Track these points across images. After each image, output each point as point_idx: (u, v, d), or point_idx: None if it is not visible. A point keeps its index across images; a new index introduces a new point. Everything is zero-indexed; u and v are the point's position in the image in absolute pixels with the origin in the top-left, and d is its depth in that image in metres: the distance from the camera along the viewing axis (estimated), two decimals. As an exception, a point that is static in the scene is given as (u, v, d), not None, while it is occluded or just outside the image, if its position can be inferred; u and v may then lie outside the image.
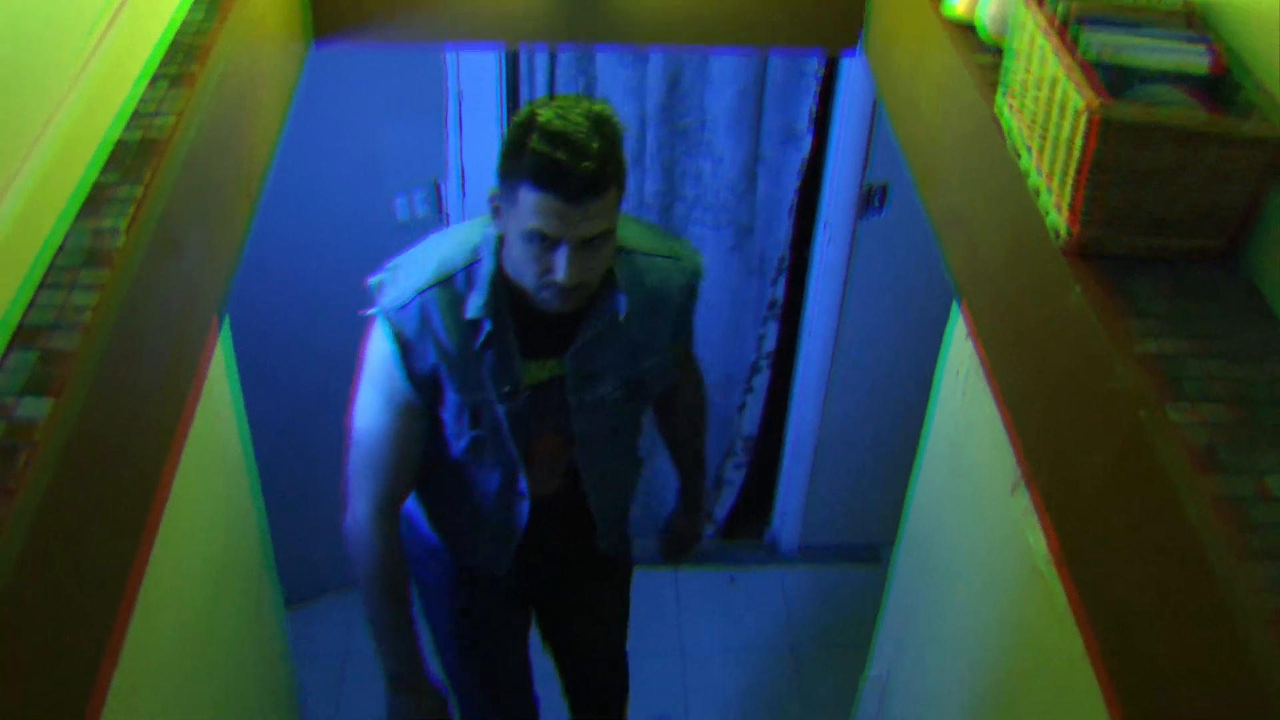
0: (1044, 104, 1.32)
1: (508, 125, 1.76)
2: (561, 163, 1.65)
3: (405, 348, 1.86)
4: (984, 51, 1.62)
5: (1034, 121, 1.36)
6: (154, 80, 1.54)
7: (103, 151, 1.38)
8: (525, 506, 2.09)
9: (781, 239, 3.34)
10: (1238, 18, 1.34)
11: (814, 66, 3.02)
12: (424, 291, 1.85)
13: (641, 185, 3.21)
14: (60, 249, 1.24)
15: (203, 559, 1.72)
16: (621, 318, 1.92)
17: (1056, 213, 1.30)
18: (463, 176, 2.98)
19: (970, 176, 1.61)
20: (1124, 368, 1.16)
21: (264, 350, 2.37)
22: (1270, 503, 1.03)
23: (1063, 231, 1.29)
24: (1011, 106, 1.44)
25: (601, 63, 3.02)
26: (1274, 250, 1.24)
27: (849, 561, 3.85)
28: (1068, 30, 1.35)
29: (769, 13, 2.25)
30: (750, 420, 3.74)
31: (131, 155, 1.39)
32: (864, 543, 3.86)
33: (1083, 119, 1.21)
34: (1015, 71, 1.43)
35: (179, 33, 1.65)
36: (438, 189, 2.99)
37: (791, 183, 3.23)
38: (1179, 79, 1.31)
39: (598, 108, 1.72)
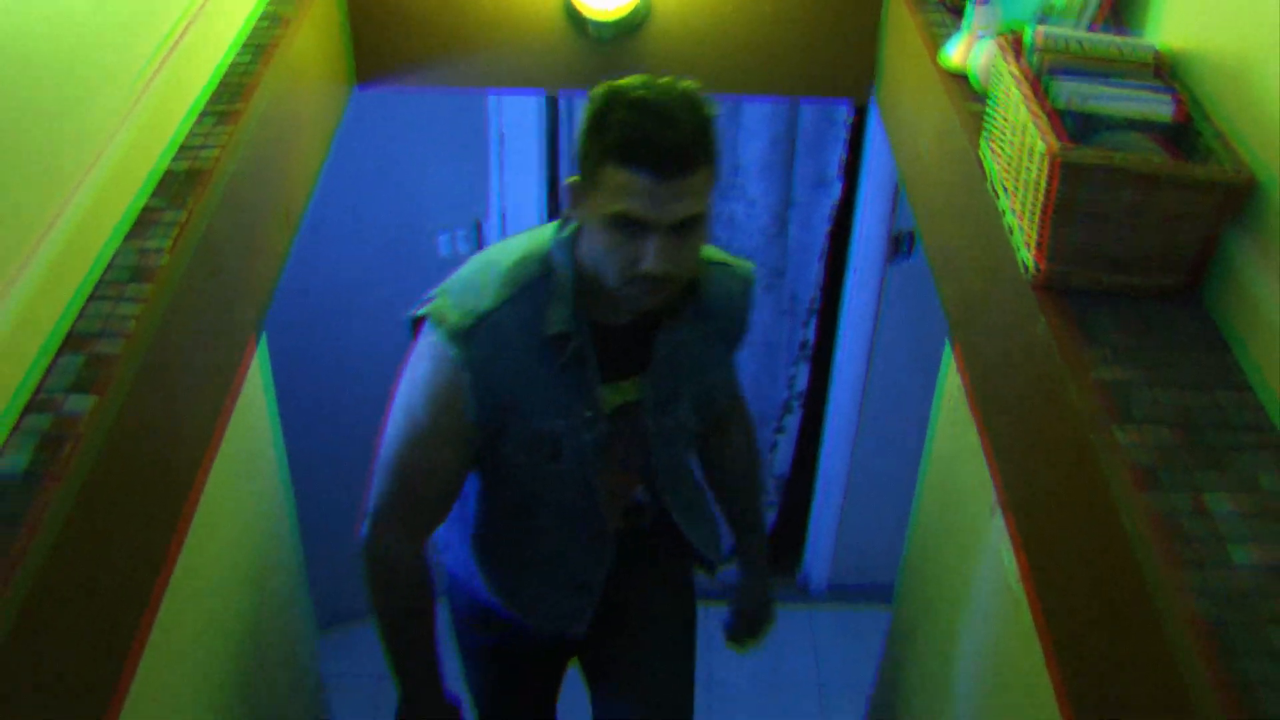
0: (1016, 148, 1.42)
1: (586, 106, 1.59)
2: (650, 134, 1.48)
3: (478, 375, 1.66)
4: (975, 100, 1.72)
5: (1009, 165, 1.45)
6: (202, 116, 1.68)
7: (152, 179, 1.51)
8: (612, 550, 1.92)
9: (812, 282, 3.44)
10: (1199, 68, 1.43)
11: (843, 116, 3.13)
12: (495, 311, 1.67)
13: (676, 228, 3.32)
14: (109, 265, 1.37)
15: (232, 566, 1.83)
16: (699, 327, 1.77)
17: (1026, 249, 1.39)
18: (504, 217, 3.12)
19: (959, 217, 1.71)
20: (1078, 393, 1.25)
21: (307, 376, 2.49)
22: (1204, 517, 1.11)
23: (1031, 267, 1.38)
24: (993, 150, 1.54)
25: (638, 109, 3.14)
26: (1227, 287, 1.32)
27: (878, 602, 3.89)
28: (1040, 80, 1.44)
29: (791, 65, 2.37)
30: (782, 460, 3.82)
31: (178, 183, 1.53)
32: (893, 583, 3.91)
33: (1046, 162, 1.30)
34: (995, 118, 1.53)
35: (227, 74, 1.79)
36: (479, 228, 3.13)
37: (822, 228, 3.34)
38: (1144, 126, 1.39)
39: (686, 84, 1.56)
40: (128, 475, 1.26)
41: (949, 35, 1.88)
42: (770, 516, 3.92)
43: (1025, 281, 1.39)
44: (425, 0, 2.29)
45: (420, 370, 1.70)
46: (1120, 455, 1.17)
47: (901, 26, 2.11)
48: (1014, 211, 1.44)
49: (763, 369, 3.62)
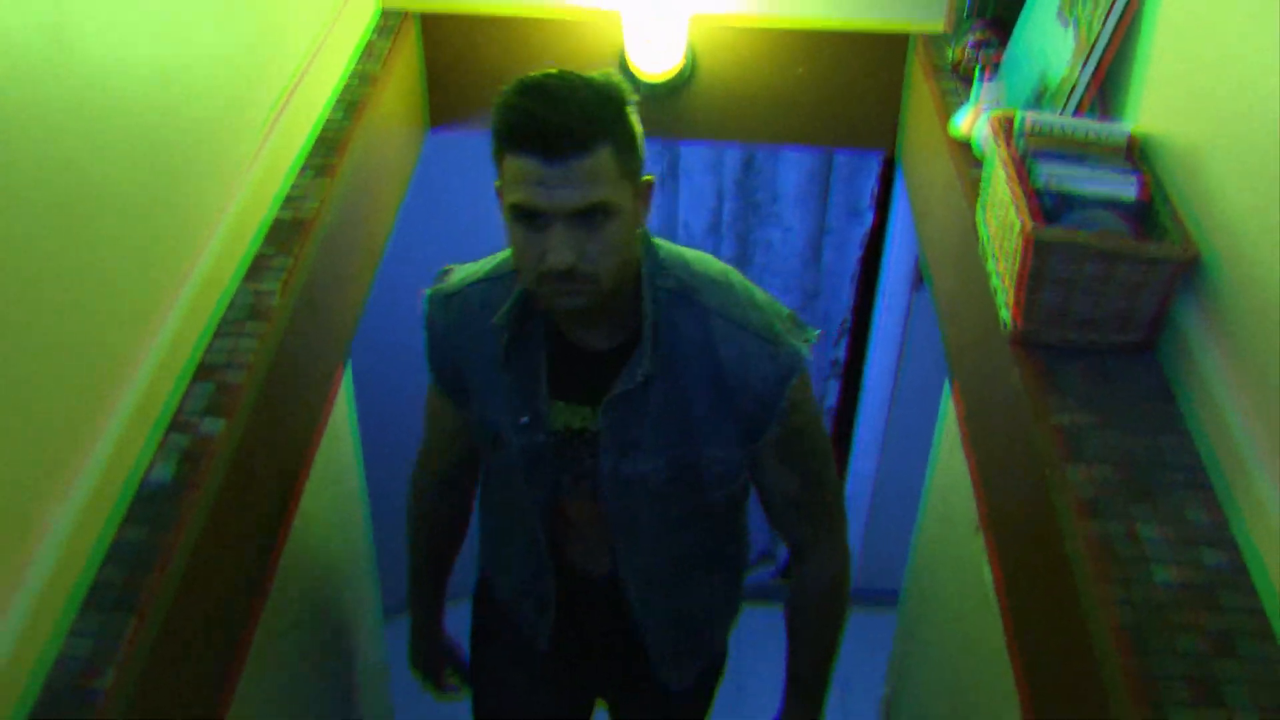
0: (1002, 221, 1.65)
1: None
2: (535, 114, 1.39)
3: (434, 338, 1.74)
4: (976, 166, 1.96)
5: (996, 233, 1.69)
6: (303, 170, 1.94)
7: (263, 228, 1.78)
8: (551, 578, 1.85)
9: (844, 305, 3.67)
10: (1162, 152, 1.65)
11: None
12: (470, 286, 1.70)
13: (718, 251, 3.57)
14: (231, 305, 1.64)
15: (320, 558, 2.10)
16: (652, 375, 1.60)
17: (1007, 309, 1.63)
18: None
19: (957, 271, 1.94)
20: (1040, 435, 1.48)
21: (382, 395, 2.75)
22: (1134, 542, 1.34)
23: (1009, 324, 1.61)
24: (986, 218, 1.77)
25: (684, 142, 3.40)
26: (1176, 345, 1.55)
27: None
28: (1025, 161, 1.67)
29: (824, 120, 2.61)
30: (813, 469, 4.05)
31: (285, 232, 1.79)
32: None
33: (1022, 238, 1.54)
34: (987, 191, 1.76)
35: (324, 129, 2.05)
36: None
37: (854, 254, 3.57)
38: (1112, 205, 1.62)
39: (597, 72, 1.47)
40: (248, 483, 1.53)
41: (960, 104, 2.11)
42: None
43: (1004, 337, 1.63)
44: (494, 51, 2.54)
45: None
46: (1070, 489, 1.40)
47: (919, 92, 2.35)
48: (999, 274, 1.67)
49: (797, 384, 3.86)
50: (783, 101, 2.56)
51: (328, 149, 2.01)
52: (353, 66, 2.25)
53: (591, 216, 1.44)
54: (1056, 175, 1.64)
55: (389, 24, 2.43)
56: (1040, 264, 1.53)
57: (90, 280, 1.28)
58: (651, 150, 3.42)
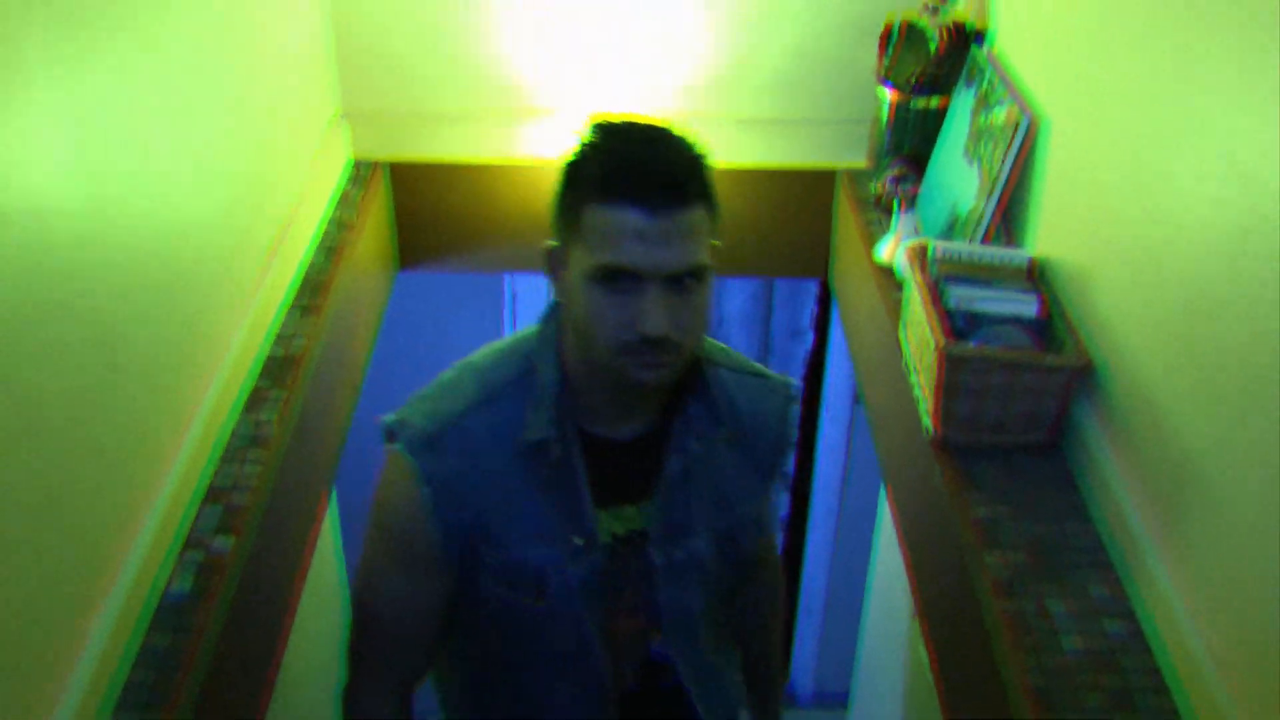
0: (920, 338, 1.87)
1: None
2: (638, 160, 1.25)
3: (440, 492, 1.43)
4: (898, 290, 2.18)
5: (916, 349, 1.90)
6: (291, 309, 2.13)
7: (258, 364, 1.96)
8: (615, 716, 1.60)
9: (790, 420, 3.88)
10: (1058, 274, 1.88)
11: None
12: (465, 415, 1.43)
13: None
14: (233, 434, 1.81)
15: (310, 652, 2.25)
16: (720, 438, 1.49)
17: (928, 417, 1.83)
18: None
19: (885, 385, 2.16)
20: (961, 527, 1.68)
21: (362, 516, 2.95)
22: (1044, 616, 1.53)
23: (930, 431, 1.82)
24: (907, 336, 1.99)
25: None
26: (1077, 442, 1.76)
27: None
28: (937, 286, 1.90)
29: (763, 252, 2.83)
30: (767, 578, 4.22)
31: (278, 367, 1.97)
32: (871, 692, 4.29)
33: (937, 353, 1.75)
34: (907, 312, 1.98)
35: (308, 272, 2.25)
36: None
37: (797, 372, 3.80)
38: (1016, 321, 1.85)
39: (665, 122, 1.32)
40: (255, 593, 1.69)
41: (882, 233, 2.35)
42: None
43: (927, 441, 1.83)
44: (458, 198, 2.75)
45: (381, 488, 1.49)
46: (988, 573, 1.59)
47: (847, 222, 2.59)
48: (920, 386, 1.88)
49: (748, 497, 4.05)
50: (725, 235, 2.78)
51: (312, 290, 2.20)
52: (330, 214, 2.45)
53: (684, 281, 1.29)
54: (966, 297, 1.87)
55: (361, 174, 2.64)
56: (954, 376, 1.75)
57: (120, 419, 1.46)
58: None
